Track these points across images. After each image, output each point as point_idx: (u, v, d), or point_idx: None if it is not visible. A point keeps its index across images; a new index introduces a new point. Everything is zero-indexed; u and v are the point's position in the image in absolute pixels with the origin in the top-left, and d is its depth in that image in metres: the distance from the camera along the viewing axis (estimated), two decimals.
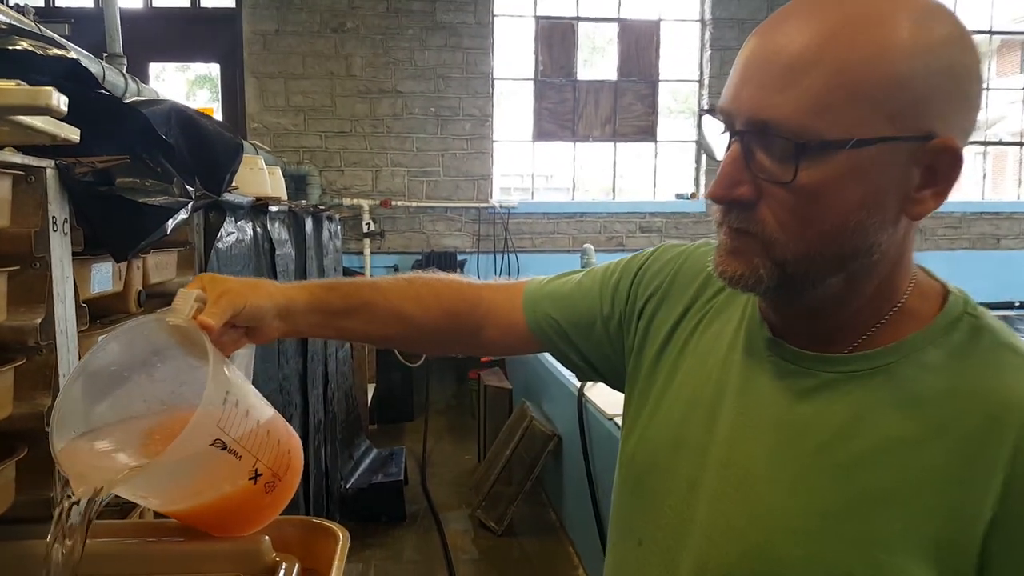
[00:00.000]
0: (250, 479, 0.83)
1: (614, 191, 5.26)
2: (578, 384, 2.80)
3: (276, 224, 2.18)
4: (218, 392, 0.74)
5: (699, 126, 0.87)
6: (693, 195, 5.14)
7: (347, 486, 3.22)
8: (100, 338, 0.80)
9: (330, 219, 3.27)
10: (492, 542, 3.18)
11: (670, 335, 0.80)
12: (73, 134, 0.81)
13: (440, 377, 4.58)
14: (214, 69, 5.36)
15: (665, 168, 5.26)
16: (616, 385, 0.91)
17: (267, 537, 0.86)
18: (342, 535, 0.87)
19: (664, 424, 0.78)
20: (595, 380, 0.94)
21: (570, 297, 0.90)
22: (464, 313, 0.92)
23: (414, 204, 4.77)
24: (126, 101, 1.12)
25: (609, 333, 0.87)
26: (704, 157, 5.06)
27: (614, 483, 0.86)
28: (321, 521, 0.90)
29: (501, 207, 4.81)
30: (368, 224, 4.69)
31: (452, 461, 3.98)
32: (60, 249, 0.90)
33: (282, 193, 2.60)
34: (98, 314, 1.07)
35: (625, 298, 0.86)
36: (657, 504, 0.75)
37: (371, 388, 4.08)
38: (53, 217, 0.88)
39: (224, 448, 0.77)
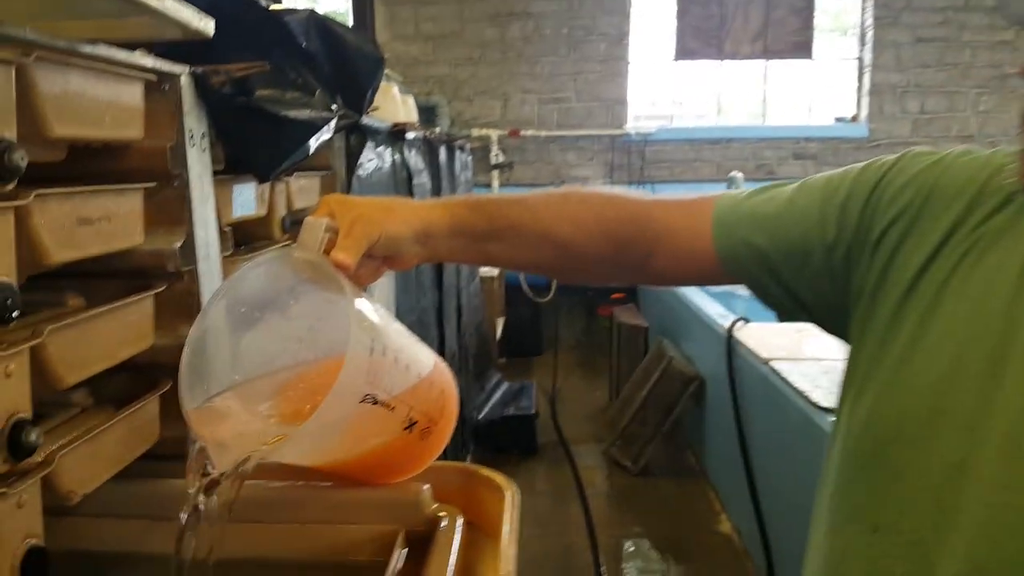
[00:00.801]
0: (404, 429, 0.74)
1: (764, 114, 4.89)
2: (726, 324, 2.62)
3: (413, 152, 2.09)
4: (362, 342, 0.64)
5: None
6: (854, 118, 4.71)
7: (479, 418, 3.20)
8: (221, 284, 0.71)
9: (461, 149, 3.18)
10: (627, 481, 3.10)
11: (922, 271, 0.62)
12: (207, 26, 0.71)
13: (569, 313, 4.48)
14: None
15: (822, 89, 4.85)
16: (833, 329, 0.74)
17: (427, 486, 0.77)
18: (510, 490, 0.77)
19: (914, 387, 0.61)
20: (802, 320, 0.78)
21: (778, 219, 0.72)
22: (631, 237, 0.76)
23: (544, 133, 4.61)
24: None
25: (831, 266, 0.69)
26: (867, 77, 4.63)
27: (832, 453, 0.70)
28: (486, 472, 0.80)
29: (637, 134, 4.57)
30: (496, 155, 4.58)
31: (582, 397, 3.91)
32: (199, 166, 0.82)
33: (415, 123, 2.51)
34: (240, 241, 1.00)
35: (856, 222, 0.67)
36: (904, 485, 0.60)
37: (500, 322, 4.03)
38: (190, 130, 0.80)
39: (375, 403, 0.67)
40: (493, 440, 3.19)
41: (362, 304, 0.66)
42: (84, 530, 0.76)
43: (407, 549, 0.73)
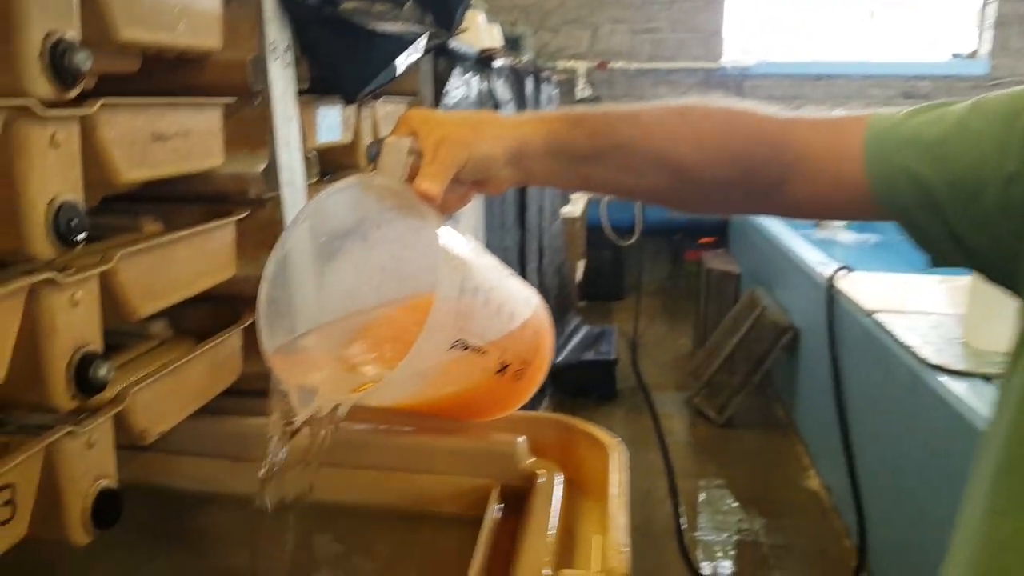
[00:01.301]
0: (496, 372, 0.67)
1: (871, 49, 4.54)
2: (827, 272, 2.47)
3: (500, 82, 1.99)
4: (451, 283, 0.57)
5: None
6: (973, 54, 4.34)
7: (557, 361, 3.14)
8: (297, 212, 0.64)
9: (548, 81, 3.06)
10: (710, 431, 3.00)
11: None
12: None
13: (654, 256, 4.34)
14: None
15: (937, 22, 4.47)
16: (1001, 279, 0.62)
17: (522, 439, 0.70)
18: (616, 449, 0.69)
19: None
20: (961, 266, 0.66)
21: (945, 144, 0.60)
22: (763, 160, 0.65)
23: (634, 66, 4.41)
24: None
25: (1008, 202, 0.57)
26: (991, 7, 4.26)
27: (996, 426, 0.59)
28: (588, 427, 0.73)
29: (733, 68, 4.32)
30: (582, 89, 4.42)
31: (665, 344, 3.80)
32: (282, 82, 0.75)
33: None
34: (323, 172, 0.94)
35: None
36: None
37: (580, 265, 3.93)
38: (272, 42, 0.73)
39: (465, 349, 0.61)
40: (571, 384, 3.13)
41: (450, 238, 0.59)
42: (160, 467, 0.73)
43: (502, 505, 0.67)
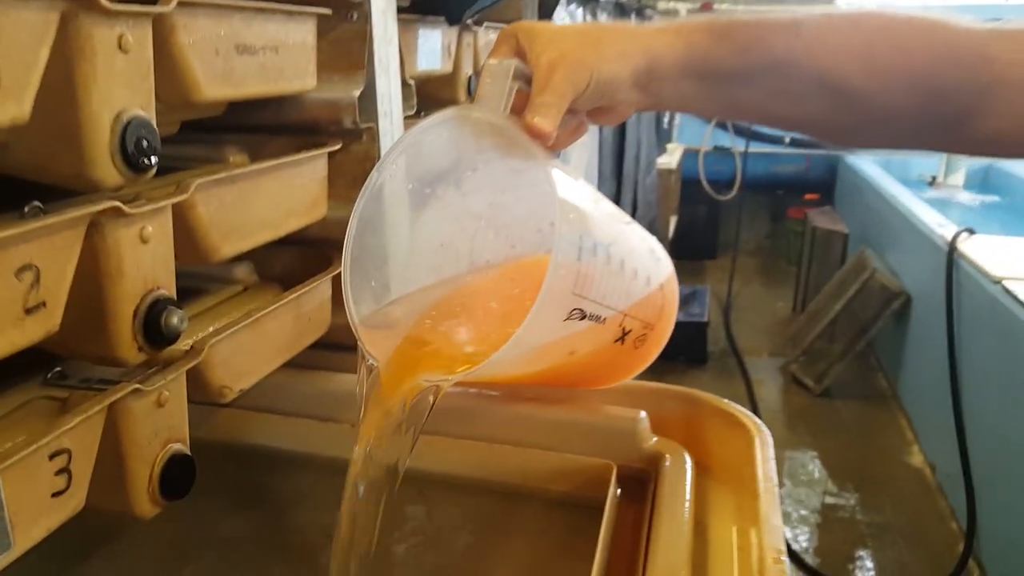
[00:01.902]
0: (615, 341, 0.57)
1: None
2: (947, 234, 2.27)
3: (604, 16, 1.86)
4: (570, 241, 0.47)
5: None
6: None
7: None
8: (384, 155, 0.55)
9: (649, 19, 2.89)
10: (806, 401, 2.86)
11: None
12: None
13: (753, 213, 4.12)
14: None
15: None
16: None
17: (643, 414, 0.61)
18: (759, 434, 0.59)
19: None
20: None
21: None
22: (952, 84, 0.52)
23: (740, 7, 4.16)
24: None
25: None
26: None
27: None
28: (724, 404, 0.63)
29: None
30: None
31: (761, 307, 3.63)
32: None
33: None
34: (419, 105, 0.85)
35: None
36: None
37: (673, 221, 3.77)
38: None
39: (583, 319, 0.51)
40: None
41: (564, 183, 0.49)
42: (239, 425, 0.67)
43: (620, 489, 0.58)
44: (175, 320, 0.43)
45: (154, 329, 0.43)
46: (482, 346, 0.52)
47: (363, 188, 0.53)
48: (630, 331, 0.59)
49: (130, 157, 0.40)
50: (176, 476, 0.47)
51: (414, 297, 0.58)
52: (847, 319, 2.89)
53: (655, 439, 0.61)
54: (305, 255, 0.68)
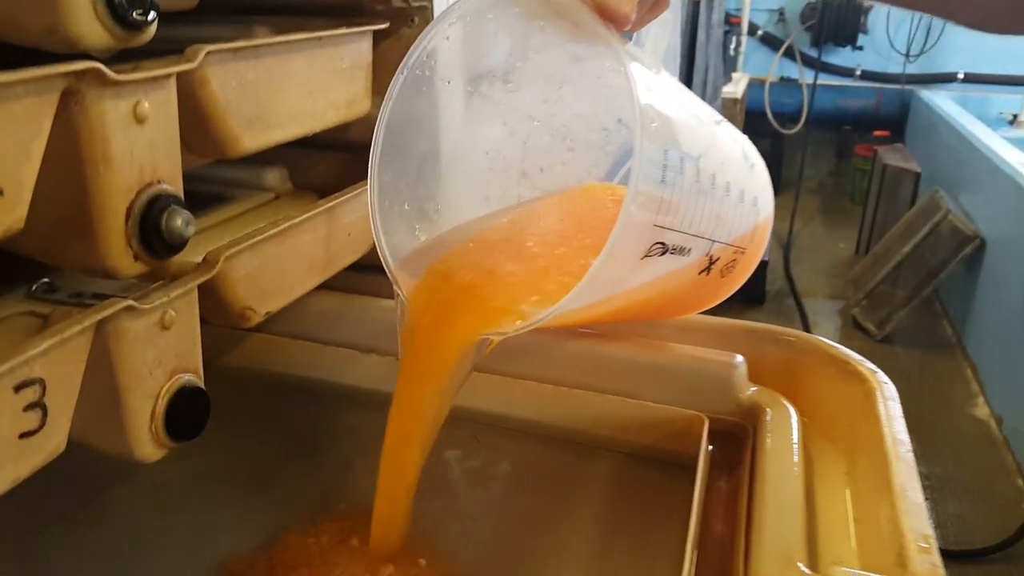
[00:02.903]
0: (701, 272, 0.48)
1: None
2: None
3: None
4: (652, 157, 0.37)
5: None
6: None
7: None
8: (417, 42, 0.44)
9: None
10: (866, 346, 2.72)
11: None
12: None
13: (818, 148, 3.91)
14: None
15: None
16: None
17: (740, 358, 0.51)
18: (878, 384, 0.49)
19: None
20: None
21: None
22: None
23: None
24: None
25: None
26: None
27: None
28: (835, 349, 0.53)
29: None
30: None
31: (823, 248, 3.46)
32: None
33: None
34: None
35: None
36: None
37: None
38: None
39: (664, 252, 0.41)
40: None
41: (643, 77, 0.38)
42: (272, 351, 0.59)
43: (711, 447, 0.48)
44: (179, 222, 0.35)
45: (152, 232, 0.34)
46: (538, 293, 0.43)
47: (397, 72, 0.43)
48: (718, 259, 0.49)
49: (116, 7, 0.30)
50: (185, 413, 0.38)
51: (458, 224, 0.49)
52: (914, 263, 2.73)
53: (753, 388, 0.51)
54: (347, 162, 0.59)
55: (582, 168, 0.63)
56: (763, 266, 2.91)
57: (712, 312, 0.56)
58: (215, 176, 0.55)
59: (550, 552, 0.44)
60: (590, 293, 0.38)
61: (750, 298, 2.93)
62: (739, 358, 0.51)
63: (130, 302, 0.34)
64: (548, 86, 0.52)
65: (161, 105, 0.35)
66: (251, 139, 0.41)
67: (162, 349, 0.37)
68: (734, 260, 0.51)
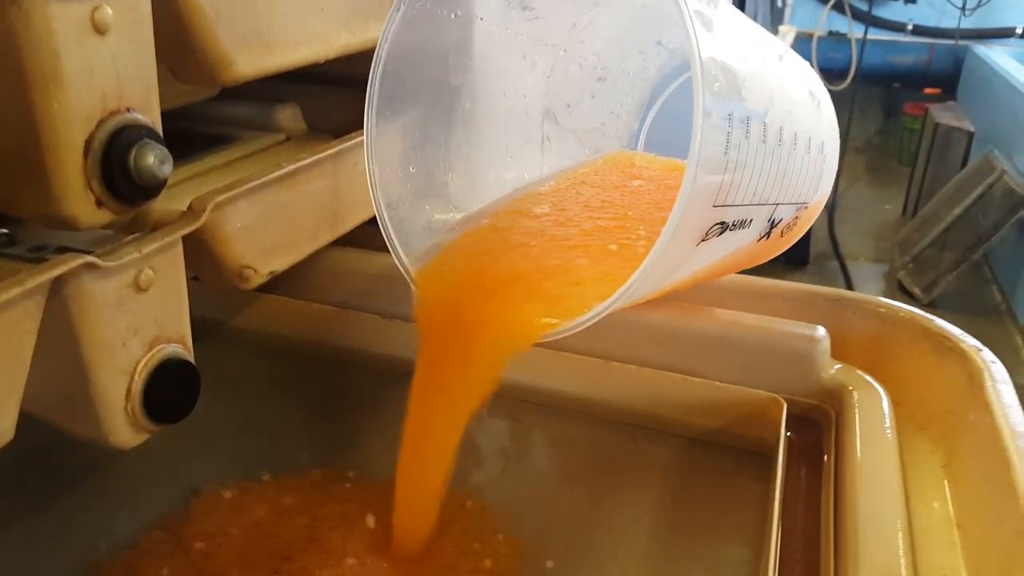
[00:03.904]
0: (760, 239, 0.41)
1: None
2: None
3: None
4: (713, 134, 0.30)
5: None
6: None
7: None
8: None
9: None
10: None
11: None
12: None
13: (865, 106, 3.75)
14: None
15: None
16: None
17: (822, 331, 0.44)
18: (986, 365, 0.41)
19: None
20: None
21: None
22: None
23: None
24: None
25: None
26: None
27: None
28: (932, 323, 0.45)
29: None
30: None
31: (868, 209, 3.34)
32: None
33: None
34: None
35: None
36: None
37: None
38: None
39: (724, 231, 0.34)
40: None
41: (701, 19, 0.30)
42: (282, 314, 0.52)
43: (789, 434, 0.41)
44: (150, 160, 0.28)
45: (118, 171, 0.27)
46: (577, 286, 0.36)
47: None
48: (779, 221, 0.42)
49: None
50: (168, 390, 0.32)
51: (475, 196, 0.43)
52: (964, 226, 2.61)
53: (837, 366, 0.44)
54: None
55: (614, 99, 0.56)
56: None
57: (753, 273, 0.49)
58: (218, 115, 0.48)
59: (603, 553, 0.38)
60: (633, 295, 0.31)
61: (792, 260, 2.82)
62: (821, 331, 0.44)
63: (90, 258, 0.28)
64: (576, 8, 0.45)
65: (128, 11, 0.28)
66: (247, 62, 0.34)
67: (137, 315, 0.31)
68: (796, 218, 0.44)
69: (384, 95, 0.37)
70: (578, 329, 0.32)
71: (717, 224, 0.34)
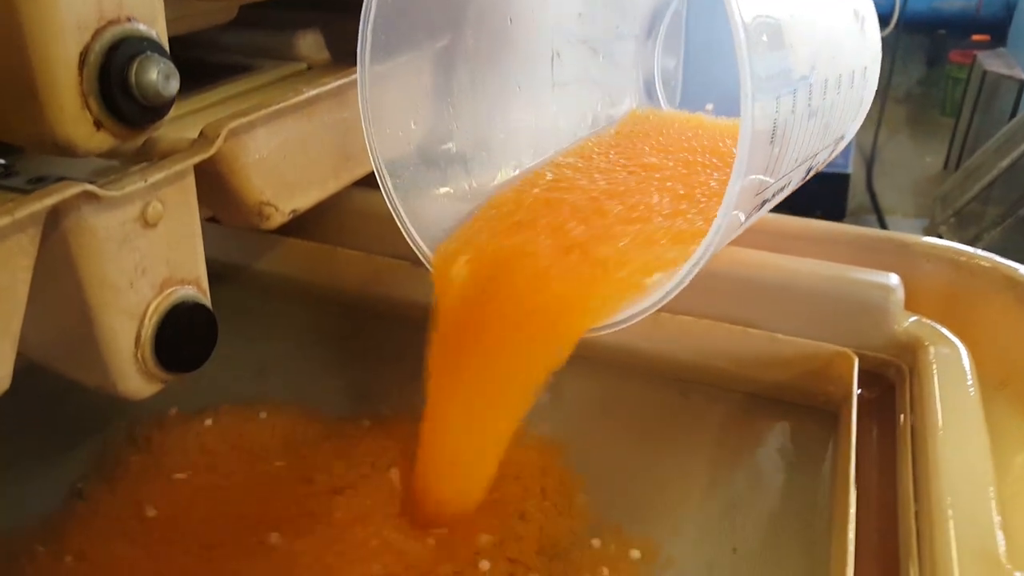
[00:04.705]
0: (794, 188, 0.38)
1: None
2: None
3: None
4: (760, 135, 0.27)
5: None
6: None
7: None
8: None
9: None
10: None
11: None
12: None
13: (907, 54, 3.61)
14: None
15: None
16: None
17: (895, 279, 0.40)
18: None
19: None
20: None
21: None
22: None
23: None
24: None
25: None
26: None
27: None
28: (1014, 270, 0.41)
29: None
30: None
31: (908, 162, 3.24)
32: None
33: None
34: None
35: None
36: None
37: None
38: None
39: (763, 205, 0.32)
40: (792, 196, 2.73)
41: None
42: (307, 258, 0.50)
43: (860, 391, 0.38)
44: (154, 75, 0.24)
45: (118, 89, 0.24)
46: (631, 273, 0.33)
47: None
48: (815, 167, 0.39)
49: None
50: (182, 336, 0.29)
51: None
52: (1011, 179, 2.52)
53: (912, 318, 0.40)
54: None
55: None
56: (844, 180, 2.72)
57: None
58: (234, 43, 0.44)
59: (653, 516, 0.35)
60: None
61: (829, 214, 2.75)
62: (895, 279, 0.40)
63: (89, 186, 0.24)
64: None
65: None
66: None
67: (145, 253, 0.28)
68: (832, 153, 0.41)
69: (378, 44, 0.34)
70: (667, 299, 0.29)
71: (759, 203, 0.31)
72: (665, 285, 0.28)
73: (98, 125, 0.25)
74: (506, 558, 0.32)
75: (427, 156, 0.38)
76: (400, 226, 0.35)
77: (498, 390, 0.32)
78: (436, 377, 0.33)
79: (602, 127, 0.51)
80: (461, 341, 0.33)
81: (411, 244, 0.35)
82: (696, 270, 0.28)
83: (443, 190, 0.38)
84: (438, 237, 0.36)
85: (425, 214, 0.36)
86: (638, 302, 0.29)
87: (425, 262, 0.35)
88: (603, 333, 0.30)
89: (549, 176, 0.43)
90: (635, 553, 0.33)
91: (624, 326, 0.30)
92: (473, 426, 0.34)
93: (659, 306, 0.29)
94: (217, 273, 0.33)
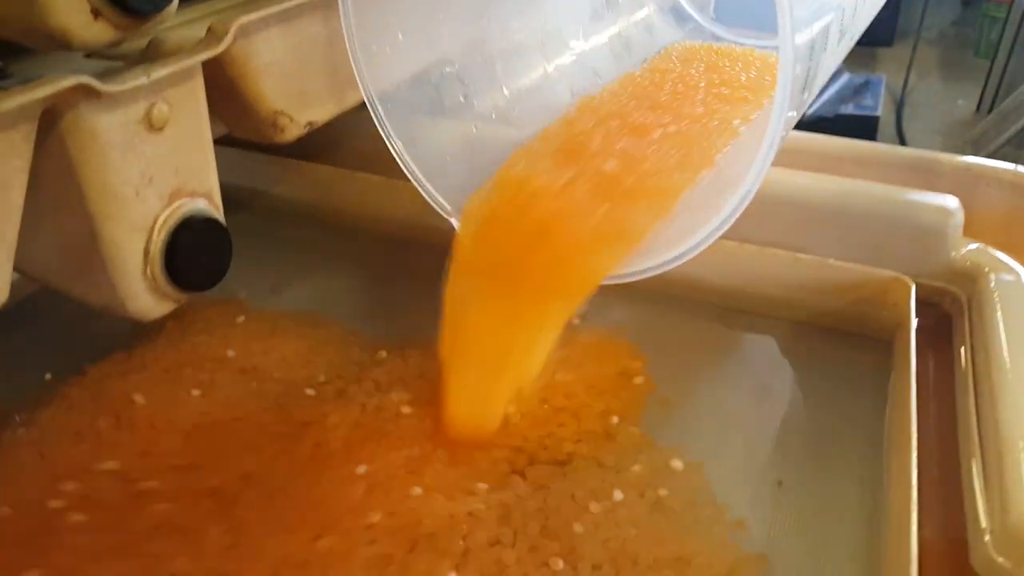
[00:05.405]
0: None
1: None
2: None
3: None
4: (795, 94, 0.24)
5: None
6: None
7: (809, 113, 2.65)
8: None
9: None
10: None
11: None
12: None
13: None
14: None
15: None
16: None
17: (955, 202, 0.37)
18: None
19: None
20: None
21: None
22: None
23: None
24: None
25: None
26: None
27: None
28: None
29: None
30: None
31: (940, 104, 3.13)
32: None
33: None
34: None
35: None
36: None
37: None
38: None
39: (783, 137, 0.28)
40: None
41: None
42: (326, 182, 0.47)
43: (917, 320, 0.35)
44: None
45: None
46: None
47: None
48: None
49: None
50: (194, 251, 0.27)
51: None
52: None
53: (972, 245, 0.37)
54: None
55: None
56: (874, 122, 2.64)
57: None
58: None
59: (700, 441, 0.33)
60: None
61: (876, 40, 2.69)
62: (954, 202, 0.37)
63: (84, 78, 0.22)
64: None
65: None
66: None
67: (151, 160, 0.25)
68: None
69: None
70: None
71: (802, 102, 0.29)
72: (730, 200, 0.25)
73: (96, 13, 0.22)
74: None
75: (420, 74, 0.36)
76: (412, 179, 0.33)
77: (534, 307, 0.30)
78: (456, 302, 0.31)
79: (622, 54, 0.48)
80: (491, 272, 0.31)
81: (424, 194, 0.33)
82: (760, 179, 0.25)
83: (442, 117, 0.36)
84: (441, 165, 0.34)
85: (425, 140, 0.34)
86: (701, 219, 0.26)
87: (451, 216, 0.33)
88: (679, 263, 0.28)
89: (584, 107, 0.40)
90: (677, 463, 0.31)
91: (699, 250, 0.27)
92: (494, 361, 0.32)
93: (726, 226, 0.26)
94: (230, 198, 0.31)
